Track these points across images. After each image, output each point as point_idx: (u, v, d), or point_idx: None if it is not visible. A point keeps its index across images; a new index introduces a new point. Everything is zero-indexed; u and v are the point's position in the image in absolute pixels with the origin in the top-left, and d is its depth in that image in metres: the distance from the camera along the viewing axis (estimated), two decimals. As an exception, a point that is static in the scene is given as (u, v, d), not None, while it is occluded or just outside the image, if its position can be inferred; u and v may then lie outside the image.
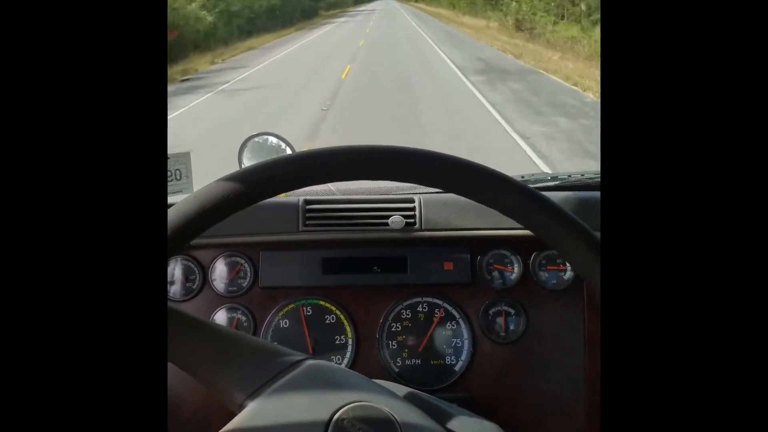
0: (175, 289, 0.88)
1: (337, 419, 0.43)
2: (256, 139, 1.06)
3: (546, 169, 4.89)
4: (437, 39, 18.85)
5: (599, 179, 1.06)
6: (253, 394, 0.45)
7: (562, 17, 15.87)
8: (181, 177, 0.94)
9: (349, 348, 0.88)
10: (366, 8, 58.47)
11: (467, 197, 0.48)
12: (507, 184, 0.47)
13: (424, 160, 0.47)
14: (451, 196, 0.47)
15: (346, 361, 0.88)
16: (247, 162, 1.04)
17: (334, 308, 0.89)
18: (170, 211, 0.45)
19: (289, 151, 1.06)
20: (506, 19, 18.98)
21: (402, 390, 0.52)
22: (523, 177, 1.04)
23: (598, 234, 0.44)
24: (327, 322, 0.89)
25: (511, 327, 0.88)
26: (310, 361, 0.48)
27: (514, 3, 18.38)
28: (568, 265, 0.88)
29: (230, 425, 0.44)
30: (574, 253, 0.46)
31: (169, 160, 0.93)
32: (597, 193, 0.91)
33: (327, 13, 46.39)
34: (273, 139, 1.08)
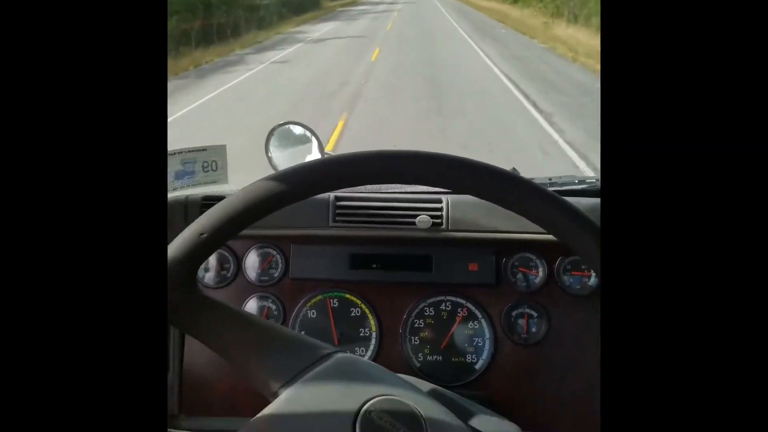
0: (209, 276, 0.91)
1: (366, 411, 0.45)
2: (284, 127, 1.06)
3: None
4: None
5: None
6: (287, 383, 0.47)
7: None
8: (216, 168, 0.97)
9: (373, 341, 0.89)
10: (382, 3, 33.77)
11: (481, 198, 0.49)
12: (519, 185, 0.47)
13: (436, 162, 0.48)
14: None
15: (369, 353, 0.89)
16: (274, 150, 1.05)
17: (359, 302, 0.90)
18: (218, 207, 0.47)
19: (314, 140, 1.07)
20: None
21: (425, 386, 0.54)
22: (550, 179, 1.03)
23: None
24: (352, 314, 0.90)
25: (533, 329, 0.88)
26: (340, 354, 0.49)
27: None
28: (592, 271, 0.87)
29: (267, 411, 0.46)
30: (583, 248, 0.46)
31: (205, 152, 0.96)
32: None
33: (333, 3, 31.28)
34: (299, 128, 1.09)
